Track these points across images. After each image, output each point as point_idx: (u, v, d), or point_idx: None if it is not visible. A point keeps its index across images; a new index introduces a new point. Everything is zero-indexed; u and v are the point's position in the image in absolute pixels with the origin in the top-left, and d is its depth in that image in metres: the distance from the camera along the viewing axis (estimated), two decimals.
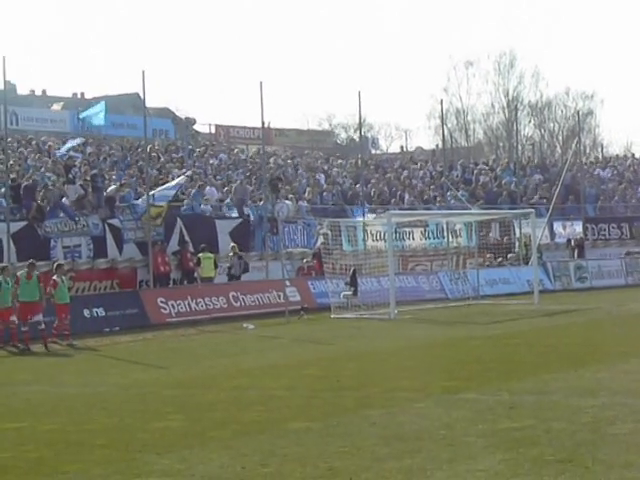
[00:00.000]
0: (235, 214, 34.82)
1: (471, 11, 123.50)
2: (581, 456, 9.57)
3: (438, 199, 41.68)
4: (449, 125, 77.17)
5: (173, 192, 32.26)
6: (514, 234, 39.97)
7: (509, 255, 39.23)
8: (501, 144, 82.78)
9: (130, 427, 12.31)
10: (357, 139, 63.62)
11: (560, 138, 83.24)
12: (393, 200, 40.85)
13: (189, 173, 36.46)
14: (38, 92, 74.88)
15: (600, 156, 65.90)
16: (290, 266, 33.84)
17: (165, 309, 28.77)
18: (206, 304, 29.71)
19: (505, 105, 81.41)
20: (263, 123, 36.51)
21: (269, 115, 73.24)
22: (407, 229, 38.19)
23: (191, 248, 31.68)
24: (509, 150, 74.98)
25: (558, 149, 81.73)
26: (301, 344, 22.75)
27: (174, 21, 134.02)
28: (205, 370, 18.21)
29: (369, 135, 78.40)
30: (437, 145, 72.13)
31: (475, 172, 47.50)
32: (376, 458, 9.92)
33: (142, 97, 32.97)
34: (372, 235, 36.60)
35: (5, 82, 29.40)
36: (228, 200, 35.43)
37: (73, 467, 10.16)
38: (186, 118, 62.69)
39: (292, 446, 10.65)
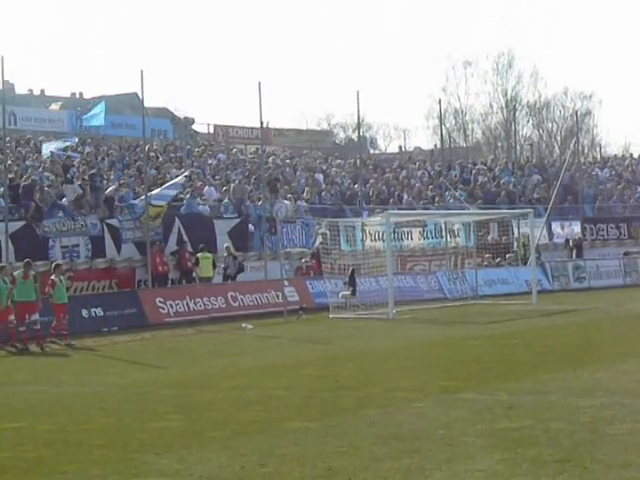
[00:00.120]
0: (233, 214, 34.80)
1: (470, 11, 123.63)
2: (579, 456, 9.58)
3: (436, 199, 41.68)
4: (447, 125, 77.18)
5: (173, 192, 32.25)
6: (512, 234, 39.98)
7: (507, 255, 39.22)
8: (499, 144, 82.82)
9: (128, 427, 12.31)
10: (356, 139, 63.63)
11: (558, 138, 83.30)
12: (392, 200, 40.84)
13: (187, 173, 36.44)
14: (36, 92, 74.87)
15: (598, 156, 65.92)
16: (288, 266, 33.83)
17: (163, 309, 28.76)
18: (204, 304, 29.70)
19: (503, 105, 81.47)
20: (262, 123, 36.53)
21: (268, 115, 73.39)
22: (405, 229, 38.18)
23: (189, 248, 31.67)
24: (507, 150, 75.03)
25: (556, 149, 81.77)
26: (300, 344, 22.75)
27: (172, 21, 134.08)
28: (204, 370, 18.21)
29: (368, 135, 78.47)
30: (435, 145, 72.23)
31: (473, 172, 47.51)
32: (374, 458, 9.92)
33: (141, 97, 32.94)
34: (370, 235, 36.60)
35: (3, 82, 29.43)
36: (226, 200, 35.42)
37: (72, 467, 10.17)
38: (185, 118, 62.70)
39: (291, 446, 10.66)
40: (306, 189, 39.59)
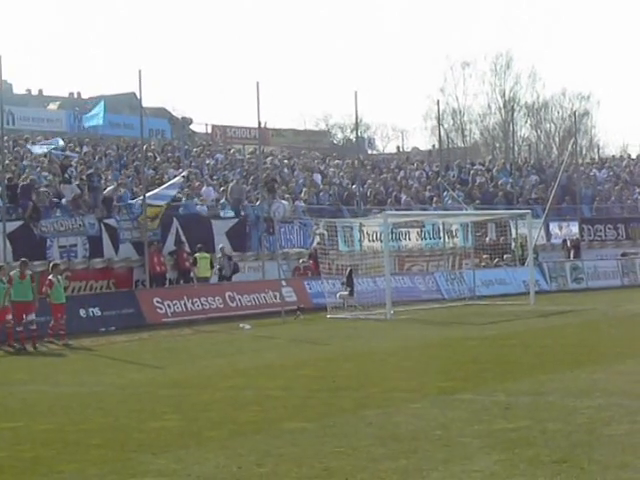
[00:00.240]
0: (230, 214, 34.79)
1: (468, 12, 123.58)
2: (577, 457, 9.59)
3: (434, 200, 41.69)
4: (445, 126, 77.27)
5: (172, 192, 32.24)
6: (510, 235, 39.99)
7: (505, 256, 39.25)
8: (497, 145, 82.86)
9: (126, 427, 12.31)
10: (354, 139, 63.66)
11: (556, 139, 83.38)
12: (389, 200, 40.85)
13: (185, 173, 36.44)
14: (34, 92, 74.85)
15: (596, 157, 66.02)
16: (286, 266, 33.84)
17: (161, 309, 28.75)
18: (202, 304, 29.70)
19: (501, 106, 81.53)
20: (260, 123, 36.53)
21: (266, 115, 73.31)
22: (403, 229, 38.17)
23: (187, 248, 31.68)
24: (505, 151, 75.04)
25: (554, 150, 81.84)
26: (297, 344, 22.75)
27: (171, 21, 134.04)
28: (201, 370, 18.20)
29: (366, 135, 78.48)
30: (433, 145, 72.23)
31: (471, 173, 47.54)
32: (372, 458, 9.92)
33: (138, 97, 32.95)
34: (368, 235, 36.60)
35: (1, 81, 29.39)
36: (223, 200, 35.41)
37: (69, 467, 10.17)
38: (183, 118, 62.60)
39: (288, 446, 10.66)
40: (304, 189, 39.59)
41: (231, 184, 36.84)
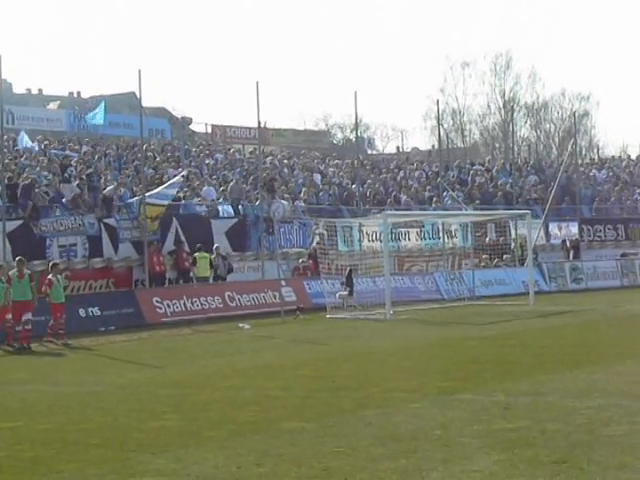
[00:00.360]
0: (230, 212, 34.78)
1: (468, 12, 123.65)
2: (576, 457, 9.59)
3: (434, 200, 41.69)
4: (445, 126, 77.29)
5: (173, 192, 32.23)
6: (510, 235, 39.99)
7: (505, 256, 39.25)
8: (497, 145, 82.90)
9: (125, 426, 12.30)
10: (353, 139, 63.65)
11: (556, 139, 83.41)
12: (389, 200, 40.85)
13: (185, 173, 36.44)
14: (34, 91, 74.85)
15: (596, 157, 66.07)
16: (286, 266, 33.84)
17: (160, 309, 28.75)
18: (202, 304, 29.71)
19: (501, 106, 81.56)
20: (259, 123, 36.53)
21: (265, 115, 73.31)
22: (403, 229, 38.17)
23: (187, 248, 31.68)
24: (505, 151, 75.07)
25: (554, 150, 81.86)
26: (297, 344, 22.74)
27: (170, 20, 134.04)
28: (200, 370, 18.20)
29: (365, 135, 78.47)
30: (433, 146, 72.31)
31: (471, 173, 47.55)
32: (371, 458, 9.92)
33: (138, 96, 32.95)
34: (368, 235, 36.61)
35: (1, 81, 29.40)
36: (221, 200, 35.41)
37: (68, 466, 10.16)
38: (182, 118, 62.62)
39: (287, 446, 10.66)
40: (303, 189, 39.59)
41: (231, 184, 36.85)
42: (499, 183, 46.24)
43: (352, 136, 70.79)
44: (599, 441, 10.33)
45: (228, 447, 10.74)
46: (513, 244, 39.86)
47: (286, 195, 37.11)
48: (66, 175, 32.95)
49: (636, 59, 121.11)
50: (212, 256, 31.62)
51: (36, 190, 30.22)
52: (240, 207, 35.20)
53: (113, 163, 38.16)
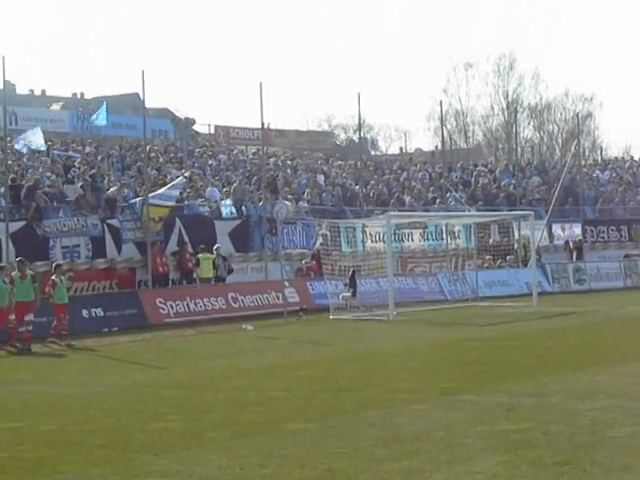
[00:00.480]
0: (232, 212, 34.77)
1: (471, 13, 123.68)
2: (579, 459, 9.58)
3: (437, 201, 41.68)
4: (448, 127, 77.30)
5: (176, 193, 32.23)
6: (513, 236, 39.96)
7: (508, 257, 39.22)
8: (500, 146, 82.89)
9: (128, 427, 12.31)
10: (356, 140, 63.59)
11: (559, 140, 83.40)
12: (392, 201, 40.84)
13: (187, 174, 36.45)
14: (37, 92, 74.83)
15: (599, 158, 65.96)
16: (289, 267, 33.82)
17: (164, 309, 28.76)
18: (205, 305, 29.71)
19: (504, 107, 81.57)
20: (263, 124, 36.51)
21: (269, 116, 73.11)
22: (406, 230, 38.18)
23: (190, 249, 31.68)
24: (508, 152, 75.05)
25: (557, 151, 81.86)
26: (300, 345, 22.74)
27: (174, 21, 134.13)
28: (204, 371, 18.20)
29: (368, 136, 78.38)
30: (436, 146, 72.31)
31: (474, 174, 47.51)
32: (374, 459, 9.92)
33: (142, 97, 32.97)
34: (371, 236, 36.60)
35: (4, 82, 29.42)
36: (224, 200, 35.40)
37: (71, 467, 10.17)
38: (185, 118, 62.65)
39: (290, 447, 10.66)
40: (307, 190, 39.58)
41: (234, 185, 36.85)
42: (502, 184, 46.23)
43: (355, 137, 70.77)
44: (602, 443, 10.32)
45: (231, 448, 10.74)
46: (516, 245, 39.81)
47: (289, 196, 37.11)
48: (69, 176, 32.97)
49: (639, 60, 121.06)
50: (213, 257, 31.64)
51: (38, 192, 30.23)
52: (243, 208, 35.22)
53: (116, 164, 38.16)
